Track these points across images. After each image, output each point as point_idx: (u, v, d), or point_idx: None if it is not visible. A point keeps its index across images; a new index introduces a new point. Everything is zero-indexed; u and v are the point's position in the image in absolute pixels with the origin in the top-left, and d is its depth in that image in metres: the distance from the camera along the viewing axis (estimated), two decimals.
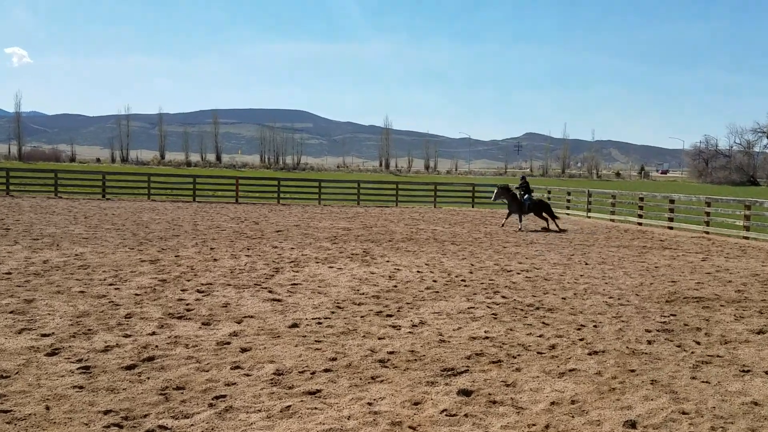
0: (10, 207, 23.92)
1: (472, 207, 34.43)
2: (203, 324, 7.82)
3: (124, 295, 9.26)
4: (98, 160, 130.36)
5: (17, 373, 5.72)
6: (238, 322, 7.97)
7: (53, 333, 7.09)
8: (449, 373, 6.27)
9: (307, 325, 7.95)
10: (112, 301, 8.79)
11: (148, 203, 30.26)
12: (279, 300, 9.38)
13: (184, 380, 5.73)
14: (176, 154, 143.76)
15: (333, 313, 8.67)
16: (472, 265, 13.44)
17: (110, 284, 10.00)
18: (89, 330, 7.29)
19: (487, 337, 7.53)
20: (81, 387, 5.47)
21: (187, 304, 8.83)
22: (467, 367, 6.41)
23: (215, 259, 13.10)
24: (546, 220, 22.30)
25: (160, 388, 5.52)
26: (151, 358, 6.34)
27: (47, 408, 4.98)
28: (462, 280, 11.42)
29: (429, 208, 34.38)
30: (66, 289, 9.47)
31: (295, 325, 7.90)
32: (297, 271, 12.01)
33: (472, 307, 9.18)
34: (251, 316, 8.31)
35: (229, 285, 10.38)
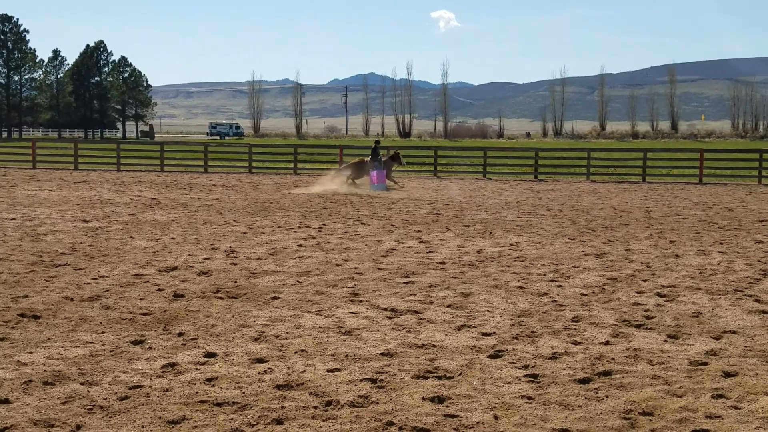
0: (438, 189, 27.26)
1: None
2: (669, 336, 7.69)
3: (568, 294, 9.69)
4: (528, 134, 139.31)
5: (461, 374, 6.45)
6: (716, 338, 7.62)
7: (494, 332, 7.80)
8: None
9: None
10: (556, 301, 9.27)
11: (587, 185, 31.17)
12: None
13: (651, 404, 5.70)
14: (619, 123, 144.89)
15: None
16: None
17: (551, 280, 10.57)
18: (533, 332, 7.81)
19: None
20: (530, 398, 5.89)
21: (646, 310, 8.80)
22: None
23: (677, 256, 12.79)
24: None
25: (622, 411, 5.59)
26: (607, 373, 6.48)
27: (495, 417, 5.48)
28: None
29: None
30: (503, 283, 10.34)
31: None
32: None
33: None
34: (733, 332, 7.86)
35: (699, 289, 10.02)
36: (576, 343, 7.41)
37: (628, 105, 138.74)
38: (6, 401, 5.67)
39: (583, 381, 6.28)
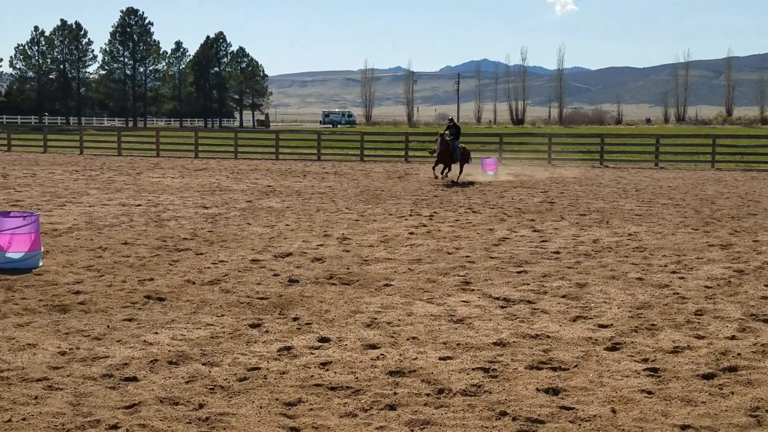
0: (553, 178, 26.77)
1: None
2: None
3: (691, 286, 9.35)
4: (648, 120, 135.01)
5: (576, 366, 6.34)
6: None
7: (612, 324, 7.62)
8: None
9: None
10: (677, 293, 8.97)
11: (712, 173, 29.96)
12: None
13: None
14: (747, 108, 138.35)
15: None
16: None
17: (673, 272, 10.23)
18: (653, 325, 7.59)
19: None
20: (650, 392, 5.73)
21: None
22: None
23: None
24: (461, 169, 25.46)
25: (749, 408, 5.37)
26: (733, 368, 6.23)
27: (613, 411, 5.37)
28: None
29: None
30: (621, 274, 10.08)
31: None
32: None
33: None
34: None
35: None
36: (699, 338, 7.15)
37: (757, 89, 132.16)
38: (134, 379, 5.98)
39: (707, 376, 6.06)
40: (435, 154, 26.01)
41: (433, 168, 26.27)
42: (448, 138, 25.25)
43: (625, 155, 36.51)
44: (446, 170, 25.65)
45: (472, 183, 24.28)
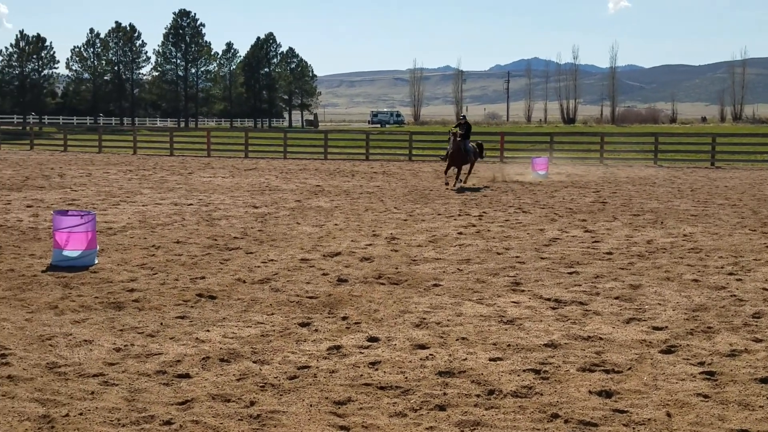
0: (605, 177, 26.40)
1: None
2: None
3: (748, 288, 9.15)
4: (704, 119, 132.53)
5: (630, 369, 6.25)
6: None
7: (666, 327, 7.49)
8: None
9: None
10: (734, 295, 8.78)
11: None
12: None
13: None
14: None
15: None
16: None
17: (729, 273, 10.02)
18: (709, 328, 7.44)
19: None
20: (706, 396, 5.63)
21: None
22: None
23: None
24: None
25: None
26: None
27: (668, 415, 5.28)
28: None
29: None
30: (676, 275, 9.90)
31: None
32: None
33: None
34: None
35: None
36: (757, 341, 7.00)
37: None
38: (187, 375, 6.08)
39: (765, 380, 5.92)
40: (446, 160, 23.54)
41: (445, 172, 23.26)
42: (459, 137, 22.48)
43: (680, 154, 35.89)
44: (459, 173, 22.79)
45: (475, 189, 23.97)
